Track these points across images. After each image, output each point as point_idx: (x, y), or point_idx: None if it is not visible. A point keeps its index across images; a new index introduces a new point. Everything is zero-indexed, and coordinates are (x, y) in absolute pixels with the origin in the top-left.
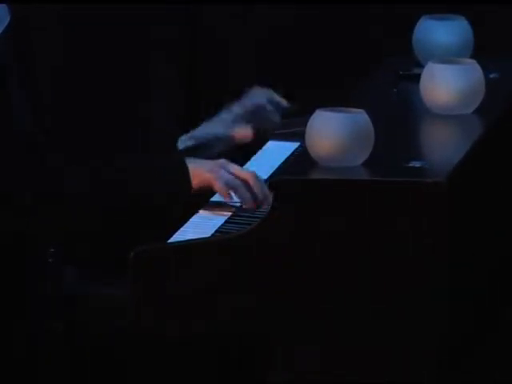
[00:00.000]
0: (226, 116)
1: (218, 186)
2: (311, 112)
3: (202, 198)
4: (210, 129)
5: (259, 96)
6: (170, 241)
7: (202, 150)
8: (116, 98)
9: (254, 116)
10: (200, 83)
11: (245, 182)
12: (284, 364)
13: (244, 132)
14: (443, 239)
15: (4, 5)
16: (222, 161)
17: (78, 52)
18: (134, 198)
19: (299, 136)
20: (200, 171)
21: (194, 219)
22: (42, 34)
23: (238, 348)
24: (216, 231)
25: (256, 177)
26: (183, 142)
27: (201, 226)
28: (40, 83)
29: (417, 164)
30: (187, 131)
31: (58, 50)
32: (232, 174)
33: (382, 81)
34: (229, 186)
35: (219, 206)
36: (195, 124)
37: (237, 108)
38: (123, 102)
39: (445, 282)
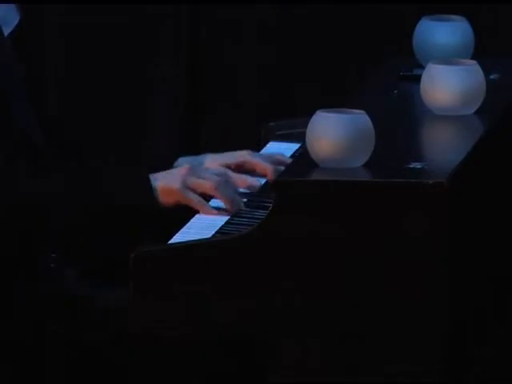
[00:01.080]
0: (231, 157)
1: (192, 204)
2: (312, 113)
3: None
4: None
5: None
6: (170, 242)
7: None
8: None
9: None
10: (201, 84)
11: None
12: (284, 364)
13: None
14: (444, 240)
15: (13, 5)
16: (186, 170)
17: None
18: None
19: (300, 137)
20: (172, 189)
21: (194, 220)
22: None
23: (238, 348)
24: (216, 232)
25: (218, 182)
26: (181, 163)
27: (201, 226)
28: (42, 85)
29: (417, 165)
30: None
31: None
32: (202, 177)
33: (382, 82)
34: (201, 199)
35: (218, 208)
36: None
37: (248, 156)
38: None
39: (445, 282)
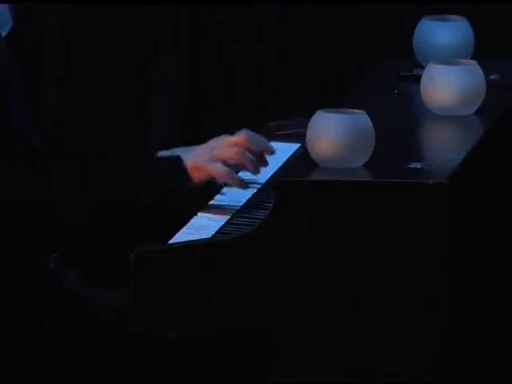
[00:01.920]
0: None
1: (221, 177)
2: (312, 113)
3: (201, 200)
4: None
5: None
6: (170, 242)
7: None
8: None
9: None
10: (201, 84)
11: (242, 146)
12: (284, 364)
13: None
14: (444, 240)
15: (7, 9)
16: (212, 143)
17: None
18: (130, 197)
19: (300, 137)
20: (198, 164)
21: (194, 220)
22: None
23: (238, 348)
24: (217, 232)
25: (248, 135)
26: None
27: (201, 226)
28: (41, 84)
29: (417, 165)
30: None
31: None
32: (225, 148)
33: (382, 82)
34: (230, 169)
35: (218, 208)
36: (198, 120)
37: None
38: (122, 103)
39: (445, 282)
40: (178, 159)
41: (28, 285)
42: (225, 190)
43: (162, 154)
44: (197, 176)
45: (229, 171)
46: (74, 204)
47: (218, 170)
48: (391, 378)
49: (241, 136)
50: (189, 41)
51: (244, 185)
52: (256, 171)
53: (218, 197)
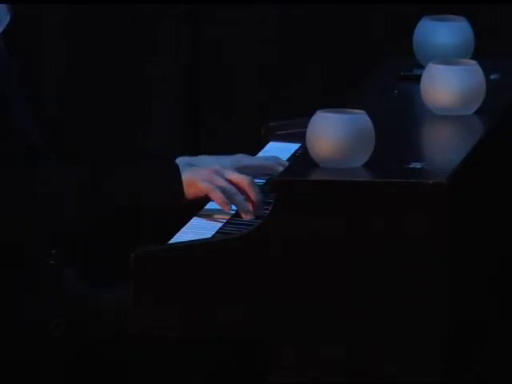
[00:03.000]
0: (230, 161)
1: (216, 197)
2: (312, 113)
3: (200, 202)
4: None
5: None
6: (170, 242)
7: None
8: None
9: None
10: (201, 84)
11: (241, 188)
12: (284, 364)
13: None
14: (444, 240)
15: (3, 5)
16: (217, 167)
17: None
18: (124, 205)
19: (300, 137)
20: (195, 180)
21: (194, 220)
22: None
23: (238, 349)
24: (216, 232)
25: (252, 182)
26: (180, 163)
27: (201, 227)
28: (40, 84)
29: (417, 165)
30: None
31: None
32: (228, 180)
33: (382, 82)
34: (226, 196)
35: (218, 208)
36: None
37: (246, 160)
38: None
39: (445, 282)
40: (175, 170)
41: (28, 284)
42: None
43: (182, 160)
44: (191, 192)
45: (220, 194)
46: (74, 204)
47: (214, 192)
48: (391, 378)
49: (245, 180)
50: (189, 41)
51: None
52: (243, 214)
53: (212, 202)
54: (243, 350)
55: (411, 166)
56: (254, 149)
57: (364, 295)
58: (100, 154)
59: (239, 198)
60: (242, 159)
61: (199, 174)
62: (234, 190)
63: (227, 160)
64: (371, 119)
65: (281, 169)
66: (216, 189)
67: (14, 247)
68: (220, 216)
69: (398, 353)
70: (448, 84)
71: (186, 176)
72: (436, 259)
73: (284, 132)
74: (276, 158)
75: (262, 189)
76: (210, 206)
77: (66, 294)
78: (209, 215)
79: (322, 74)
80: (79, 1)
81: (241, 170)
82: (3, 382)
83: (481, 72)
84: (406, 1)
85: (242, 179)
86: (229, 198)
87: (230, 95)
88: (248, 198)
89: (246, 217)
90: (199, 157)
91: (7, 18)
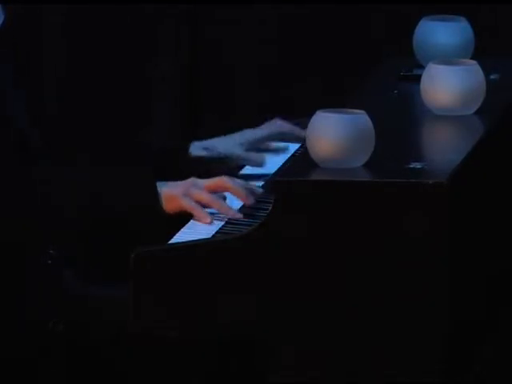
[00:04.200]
0: (238, 138)
1: (196, 213)
2: (312, 113)
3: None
4: (224, 145)
5: (276, 127)
6: (170, 242)
7: (216, 164)
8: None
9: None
10: (201, 84)
11: (222, 189)
12: (284, 364)
13: (257, 160)
14: (444, 240)
15: None
16: (191, 180)
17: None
18: (99, 209)
19: (300, 137)
20: (174, 196)
21: (194, 220)
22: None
23: (238, 348)
24: (216, 232)
25: (226, 178)
26: (196, 148)
27: (201, 227)
28: (40, 84)
29: (417, 165)
30: (191, 133)
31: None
32: (204, 190)
33: (382, 82)
34: (205, 206)
35: (214, 212)
36: (197, 123)
37: (250, 134)
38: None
39: (445, 282)
40: (153, 182)
41: (28, 284)
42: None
43: (196, 146)
44: (169, 206)
45: (200, 208)
46: (73, 204)
47: (191, 205)
48: (391, 378)
49: (220, 181)
50: (189, 41)
51: (210, 220)
52: (229, 215)
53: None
54: (243, 349)
55: (411, 166)
56: (255, 149)
57: (364, 295)
58: (100, 154)
59: (218, 204)
60: (247, 135)
61: (176, 188)
62: (211, 197)
63: (235, 138)
64: (371, 119)
65: (287, 128)
66: (196, 207)
67: (13, 247)
68: (220, 216)
69: (398, 353)
70: (448, 84)
71: (164, 190)
72: (436, 259)
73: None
74: (254, 186)
75: (262, 189)
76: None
77: (66, 294)
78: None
79: (322, 74)
80: (79, 1)
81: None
82: (3, 382)
83: (481, 72)
84: (405, 1)
85: (216, 182)
86: (211, 206)
87: (230, 95)
88: (234, 194)
89: (235, 215)
90: (212, 140)
91: (1, 18)
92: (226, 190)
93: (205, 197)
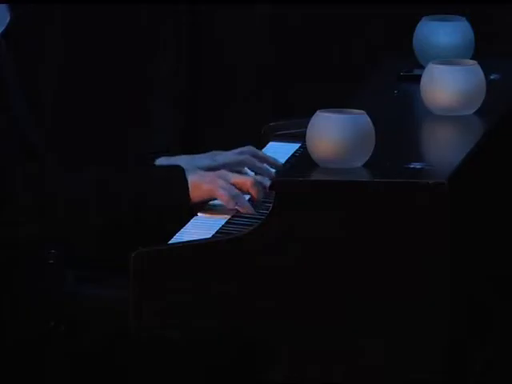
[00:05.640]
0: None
1: (220, 195)
2: (312, 113)
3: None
4: (194, 164)
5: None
6: (170, 242)
7: None
8: (117, 103)
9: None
10: (201, 84)
11: (245, 189)
12: (285, 364)
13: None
14: (444, 240)
15: (3, 5)
16: (222, 171)
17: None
18: (130, 206)
19: (300, 137)
20: (200, 183)
21: (194, 220)
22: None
23: (239, 348)
24: (217, 232)
25: (255, 182)
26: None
27: (201, 226)
28: (41, 84)
29: (418, 165)
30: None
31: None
32: (232, 183)
33: (382, 82)
34: (231, 197)
35: (218, 208)
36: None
37: (221, 157)
38: (125, 107)
39: (446, 282)
40: (181, 172)
41: (28, 284)
42: None
43: (162, 161)
44: (194, 194)
45: (227, 193)
46: (74, 204)
47: (218, 190)
48: (391, 378)
49: (247, 182)
50: (189, 40)
51: (250, 210)
52: (246, 212)
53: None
54: (243, 349)
55: (411, 166)
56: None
57: (364, 295)
58: (100, 154)
59: (241, 200)
60: (218, 157)
61: (204, 177)
62: (235, 191)
63: (204, 159)
64: (371, 119)
65: (255, 160)
66: (222, 190)
67: (13, 247)
68: (220, 216)
69: (398, 353)
70: (448, 84)
71: (192, 179)
72: (436, 259)
73: (284, 132)
74: (249, 151)
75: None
76: (209, 205)
77: (66, 294)
78: (209, 215)
79: (322, 74)
80: (79, 1)
81: (217, 168)
82: (3, 382)
83: (481, 72)
84: (405, 1)
85: (244, 181)
86: (232, 199)
87: (230, 95)
88: (253, 198)
89: (253, 213)
90: (177, 157)
91: (7, 18)
92: (248, 192)
93: (229, 189)
